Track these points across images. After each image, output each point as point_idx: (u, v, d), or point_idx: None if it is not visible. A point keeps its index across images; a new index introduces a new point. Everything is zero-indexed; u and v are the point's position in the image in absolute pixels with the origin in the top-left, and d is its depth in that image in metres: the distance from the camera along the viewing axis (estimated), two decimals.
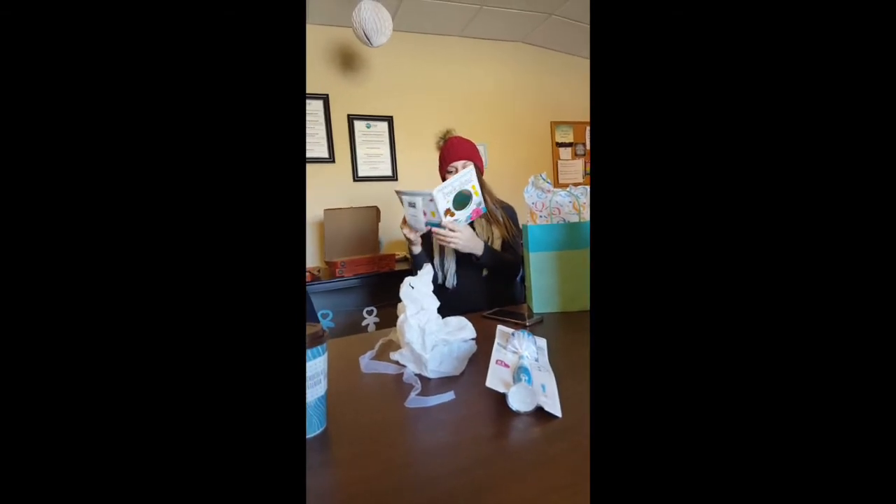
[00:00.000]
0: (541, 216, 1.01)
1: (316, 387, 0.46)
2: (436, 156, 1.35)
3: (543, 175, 1.04)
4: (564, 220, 1.00)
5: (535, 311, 0.95)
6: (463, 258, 1.23)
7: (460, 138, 1.33)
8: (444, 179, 1.29)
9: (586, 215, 0.99)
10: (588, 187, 1.01)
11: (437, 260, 1.25)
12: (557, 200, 1.01)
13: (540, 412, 0.47)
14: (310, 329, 0.46)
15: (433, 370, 0.60)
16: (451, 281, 1.23)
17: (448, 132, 1.38)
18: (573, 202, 1.00)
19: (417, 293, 0.63)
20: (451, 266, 1.23)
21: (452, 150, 1.28)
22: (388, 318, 1.81)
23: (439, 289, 1.22)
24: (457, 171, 1.25)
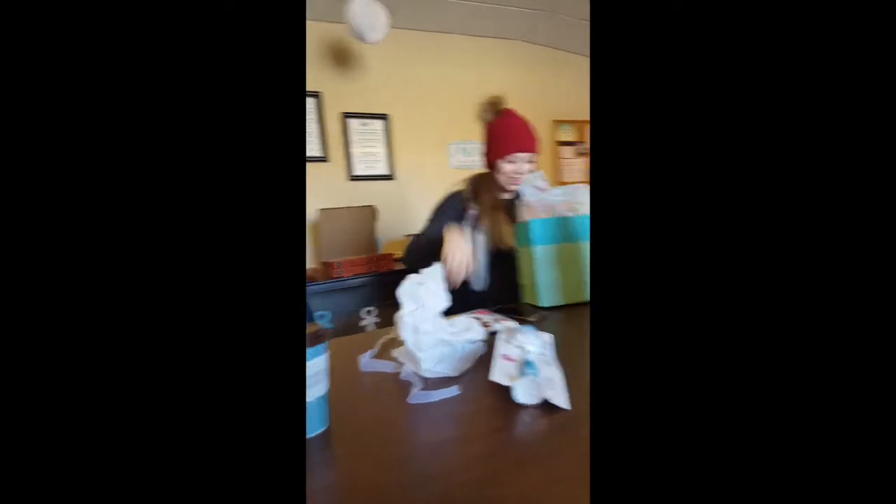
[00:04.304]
0: (541, 212, 1.01)
1: (317, 386, 0.45)
2: (437, 152, 1.24)
3: (540, 174, 1.03)
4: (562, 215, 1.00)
5: (541, 304, 0.94)
6: (493, 256, 1.11)
7: (522, 119, 1.04)
8: (493, 166, 1.05)
9: (582, 211, 0.99)
10: (581, 186, 1.01)
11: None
12: (551, 199, 1.00)
13: (546, 405, 0.47)
14: (311, 328, 0.46)
15: (427, 369, 0.59)
16: (481, 285, 1.10)
17: (500, 100, 1.07)
18: (566, 202, 1.00)
19: (424, 290, 0.62)
20: (481, 271, 1.09)
21: (519, 137, 1.02)
22: (389, 318, 1.80)
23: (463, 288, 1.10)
24: (515, 163, 1.02)
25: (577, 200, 0.99)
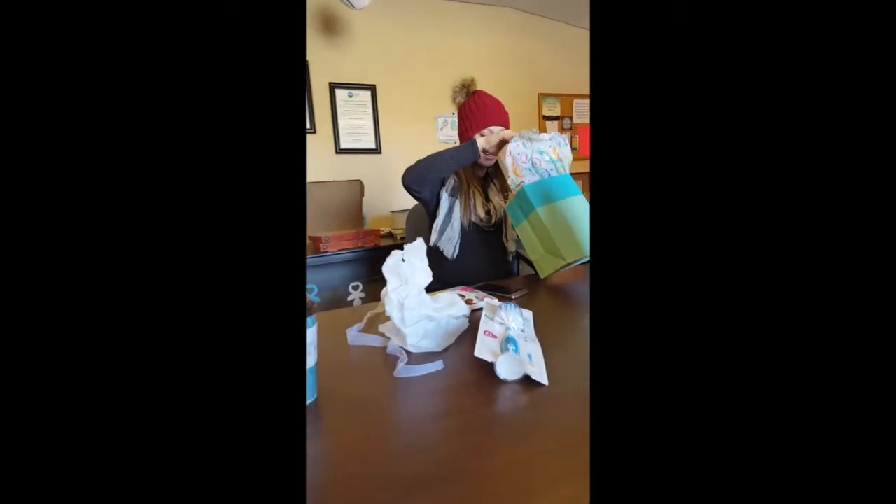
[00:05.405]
0: (526, 168, 1.02)
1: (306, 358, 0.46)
2: (424, 125, 1.25)
3: (534, 130, 1.05)
4: (548, 172, 1.03)
5: (567, 259, 0.93)
6: (468, 230, 1.17)
7: (492, 97, 1.17)
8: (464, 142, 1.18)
9: (566, 165, 1.05)
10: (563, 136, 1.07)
11: (442, 222, 1.16)
12: (540, 147, 1.03)
13: (526, 380, 0.49)
14: None
15: (412, 345, 0.60)
16: (451, 252, 1.15)
17: (471, 82, 1.20)
18: (553, 148, 1.04)
19: (407, 266, 0.62)
20: (455, 236, 1.15)
21: (491, 113, 1.14)
22: (375, 293, 1.81)
23: (437, 257, 1.17)
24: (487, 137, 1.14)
25: (561, 147, 1.04)
